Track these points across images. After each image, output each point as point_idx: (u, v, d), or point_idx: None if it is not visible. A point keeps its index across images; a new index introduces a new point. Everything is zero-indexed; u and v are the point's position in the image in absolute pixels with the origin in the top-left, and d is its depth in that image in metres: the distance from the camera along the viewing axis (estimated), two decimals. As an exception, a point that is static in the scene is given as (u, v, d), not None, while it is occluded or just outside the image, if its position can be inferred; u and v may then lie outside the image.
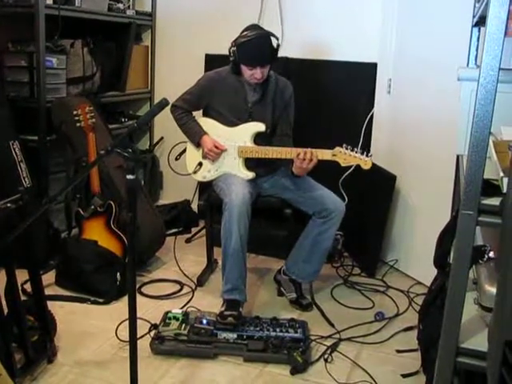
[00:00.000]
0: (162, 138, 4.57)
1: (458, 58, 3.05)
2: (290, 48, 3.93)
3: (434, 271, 3.07)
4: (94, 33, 4.01)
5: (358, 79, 4.00)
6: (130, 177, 1.75)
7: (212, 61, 4.21)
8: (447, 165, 3.19)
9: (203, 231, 4.16)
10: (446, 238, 2.26)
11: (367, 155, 2.80)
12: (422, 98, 3.43)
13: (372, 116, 3.94)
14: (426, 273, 3.47)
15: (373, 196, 3.68)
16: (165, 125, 4.50)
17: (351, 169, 3.60)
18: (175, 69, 4.55)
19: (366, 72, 3.94)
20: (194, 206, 4.42)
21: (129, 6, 4.35)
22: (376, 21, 3.86)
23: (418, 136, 3.49)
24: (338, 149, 2.82)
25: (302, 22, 4.08)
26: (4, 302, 2.28)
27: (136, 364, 2.02)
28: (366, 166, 2.79)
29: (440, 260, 2.30)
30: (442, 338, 1.55)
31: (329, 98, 4.04)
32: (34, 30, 3.41)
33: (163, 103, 1.90)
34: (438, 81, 3.27)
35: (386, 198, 3.63)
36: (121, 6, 4.21)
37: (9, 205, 2.31)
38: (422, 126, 3.44)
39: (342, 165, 2.84)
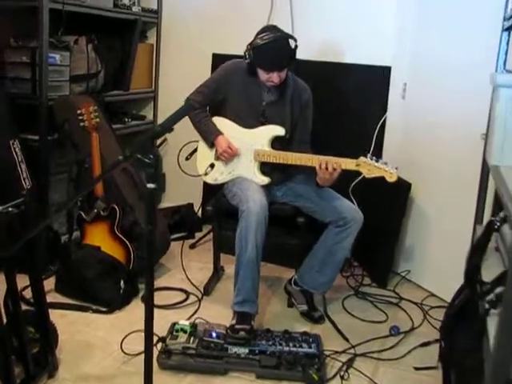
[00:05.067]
0: (165, 139, 4.43)
1: (481, 62, 2.94)
2: (300, 49, 3.78)
3: (449, 283, 2.96)
4: (99, 29, 3.86)
5: (370, 83, 3.87)
6: (150, 186, 1.60)
7: (219, 60, 4.05)
8: (467, 173, 3.08)
9: (208, 236, 4.03)
10: (477, 251, 2.15)
11: (392, 167, 2.65)
12: (440, 104, 3.31)
13: (384, 121, 3.82)
14: (440, 284, 3.37)
15: (385, 203, 3.54)
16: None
17: (362, 175, 3.49)
18: (181, 68, 4.41)
19: (379, 76, 3.82)
20: (198, 210, 4.30)
21: (134, 3, 4.21)
22: (391, 23, 3.73)
23: (435, 142, 3.36)
24: (362, 159, 2.69)
25: (313, 23, 3.95)
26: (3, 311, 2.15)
27: (151, 379, 1.87)
28: (392, 179, 2.64)
29: (470, 274, 2.19)
30: (492, 369, 1.42)
31: (340, 102, 3.91)
32: (37, 24, 3.26)
33: (190, 106, 1.76)
34: (458, 86, 3.15)
35: (399, 206, 3.50)
36: (126, 2, 4.07)
37: (10, 209, 2.18)
38: (440, 132, 3.32)
39: (366, 176, 2.70)
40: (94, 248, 3.09)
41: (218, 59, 4.07)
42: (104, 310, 2.96)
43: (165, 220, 3.67)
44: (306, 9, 3.97)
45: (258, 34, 2.85)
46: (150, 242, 1.62)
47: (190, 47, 4.36)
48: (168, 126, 1.74)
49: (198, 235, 4.13)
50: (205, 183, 3.19)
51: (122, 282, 3.01)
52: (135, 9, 4.13)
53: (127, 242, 3.11)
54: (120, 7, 3.99)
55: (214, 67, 4.07)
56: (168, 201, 4.53)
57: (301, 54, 3.72)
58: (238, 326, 2.63)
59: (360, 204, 3.71)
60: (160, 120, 4.54)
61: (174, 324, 2.70)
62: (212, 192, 3.23)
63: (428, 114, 3.42)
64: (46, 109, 3.37)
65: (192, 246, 3.95)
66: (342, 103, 3.91)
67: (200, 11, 4.29)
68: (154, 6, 4.38)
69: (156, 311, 3.02)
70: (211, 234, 3.83)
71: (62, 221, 3.55)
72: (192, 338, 2.59)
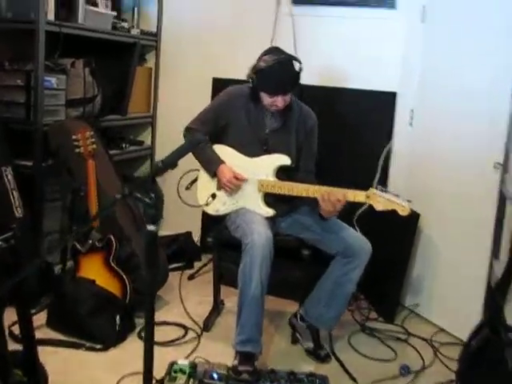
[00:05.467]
0: (164, 166, 4.31)
1: (493, 87, 2.87)
2: (303, 74, 3.68)
3: (460, 318, 2.81)
4: (96, 52, 3.74)
5: (375, 109, 3.76)
6: (151, 228, 1.46)
7: (220, 85, 3.95)
8: (479, 204, 2.98)
9: (207, 267, 3.88)
10: (499, 291, 2.03)
11: (404, 200, 2.51)
12: (450, 131, 3.20)
13: (390, 148, 3.71)
14: (450, 319, 3.23)
15: (393, 234, 3.39)
16: (167, 150, 4.23)
17: (366, 205, 3.37)
18: (180, 93, 4.30)
19: (384, 102, 3.72)
20: (196, 238, 4.16)
21: (133, 26, 4.11)
22: (397, 47, 3.65)
23: (445, 171, 3.24)
24: (372, 190, 2.54)
25: (316, 47, 3.85)
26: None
27: None
28: (404, 213, 2.48)
29: (492, 316, 2.06)
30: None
31: (344, 128, 3.79)
32: (33, 47, 3.14)
33: (196, 140, 1.62)
34: (470, 112, 3.05)
35: (407, 236, 3.37)
36: (125, 24, 3.97)
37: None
38: (450, 160, 3.20)
39: (377, 209, 2.55)
40: (89, 281, 2.93)
41: (218, 84, 3.98)
42: (98, 347, 2.79)
43: (163, 250, 3.51)
44: (309, 33, 3.88)
45: (261, 56, 2.74)
46: (151, 286, 1.48)
47: (189, 71, 4.25)
48: (171, 161, 1.61)
49: (196, 265, 3.98)
50: (204, 212, 3.05)
51: (117, 317, 2.85)
52: (134, 32, 4.03)
53: (123, 275, 2.95)
54: (119, 30, 3.88)
55: (214, 92, 3.97)
56: (166, 229, 4.37)
57: (303, 79, 3.64)
58: (240, 368, 2.47)
59: (365, 234, 3.57)
60: (158, 146, 4.42)
61: (172, 364, 2.53)
62: (212, 220, 3.08)
63: (436, 141, 3.31)
64: (41, 134, 3.23)
65: (191, 277, 3.78)
66: (345, 130, 3.80)
67: (200, 35, 4.18)
68: (154, 29, 4.28)
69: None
70: (210, 264, 3.70)
71: (55, 249, 3.40)
72: (191, 380, 2.42)
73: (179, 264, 3.81)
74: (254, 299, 2.52)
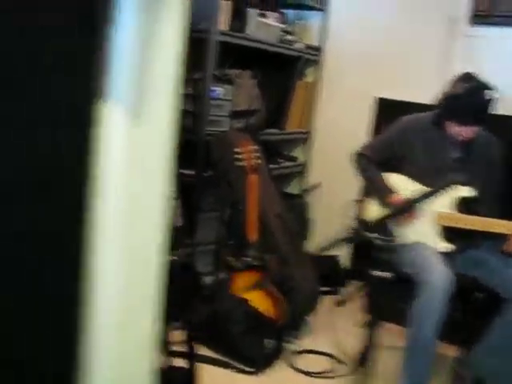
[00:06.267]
0: (318, 184, 4.15)
1: None
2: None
3: None
4: (259, 64, 3.69)
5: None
6: (376, 273, 1.31)
7: (385, 106, 3.77)
8: None
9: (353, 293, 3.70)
10: None
11: None
12: None
13: None
14: None
15: None
16: (320, 167, 4.13)
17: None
18: (340, 111, 4.12)
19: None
20: (342, 262, 3.99)
21: (297, 39, 4.01)
22: None
23: None
24: None
25: (495, 71, 3.51)
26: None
27: None
28: None
29: None
30: None
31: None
32: (203, 56, 3.12)
33: (451, 181, 1.45)
34: None
35: None
36: (290, 37, 3.88)
37: (175, 258, 1.99)
38: None
39: None
40: (243, 300, 2.84)
41: (383, 104, 3.79)
42: (249, 370, 2.69)
43: (313, 271, 3.31)
44: (487, 56, 3.55)
45: (453, 81, 2.53)
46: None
47: (351, 89, 4.05)
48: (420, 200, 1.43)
49: (340, 290, 3.81)
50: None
51: (269, 341, 2.74)
52: (298, 45, 3.94)
53: (279, 298, 2.84)
54: (283, 42, 3.80)
55: (378, 113, 3.79)
56: (310, 248, 4.22)
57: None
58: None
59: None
60: (314, 163, 4.27)
61: (326, 400, 2.38)
62: (365, 247, 2.89)
63: None
64: (204, 144, 3.20)
65: (338, 304, 3.60)
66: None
67: (366, 51, 3.98)
68: (315, 43, 4.16)
69: (301, 377, 2.75)
70: (357, 291, 3.53)
71: (207, 262, 3.35)
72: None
73: (326, 288, 3.64)
74: (425, 344, 2.32)
